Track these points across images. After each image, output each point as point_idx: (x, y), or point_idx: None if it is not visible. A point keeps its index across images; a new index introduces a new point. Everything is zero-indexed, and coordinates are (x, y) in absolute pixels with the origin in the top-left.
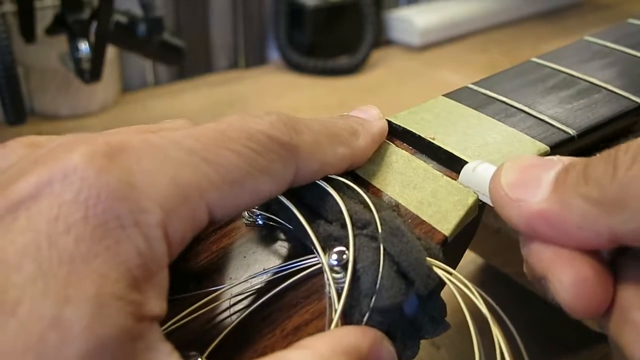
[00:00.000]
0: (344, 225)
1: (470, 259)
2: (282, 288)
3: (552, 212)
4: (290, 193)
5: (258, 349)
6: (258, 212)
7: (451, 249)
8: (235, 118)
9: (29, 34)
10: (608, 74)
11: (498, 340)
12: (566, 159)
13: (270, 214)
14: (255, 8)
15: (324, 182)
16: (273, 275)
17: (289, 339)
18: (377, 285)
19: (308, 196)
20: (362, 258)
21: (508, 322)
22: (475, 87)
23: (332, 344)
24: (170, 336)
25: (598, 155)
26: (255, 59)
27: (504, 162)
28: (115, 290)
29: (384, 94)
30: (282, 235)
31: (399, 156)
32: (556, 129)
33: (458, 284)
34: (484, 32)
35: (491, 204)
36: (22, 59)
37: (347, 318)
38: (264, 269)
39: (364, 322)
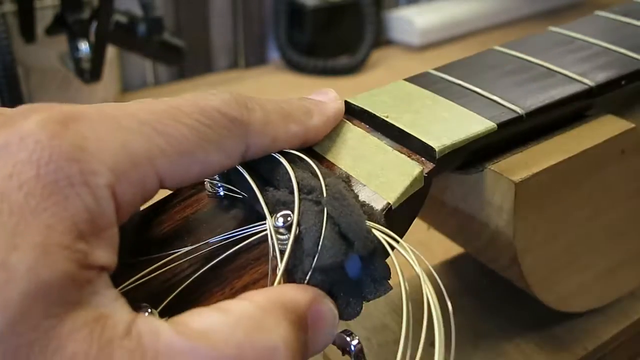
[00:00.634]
0: (292, 192)
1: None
2: (234, 251)
3: None
4: (247, 165)
5: (208, 304)
6: (219, 183)
7: (397, 218)
8: (190, 95)
9: (29, 34)
10: (565, 60)
11: (427, 298)
12: None
13: (231, 186)
14: (255, 8)
15: (278, 155)
16: (228, 240)
17: (237, 296)
18: (319, 246)
19: (262, 168)
20: (305, 220)
21: (443, 291)
22: (434, 72)
23: (272, 297)
24: (129, 293)
25: None
26: (255, 59)
27: None
28: (61, 240)
29: None
30: (240, 205)
31: (354, 133)
32: (506, 108)
33: (398, 247)
34: (484, 32)
35: None
36: (22, 59)
37: (290, 277)
38: (220, 235)
39: (306, 281)
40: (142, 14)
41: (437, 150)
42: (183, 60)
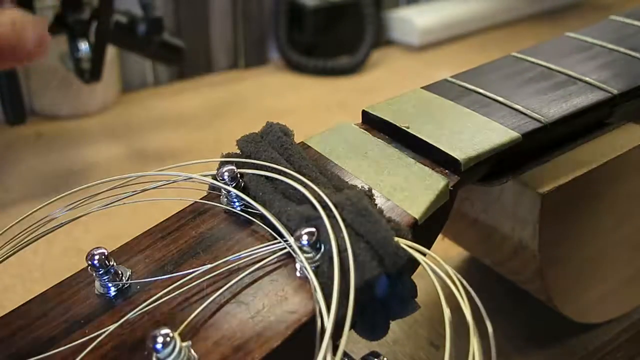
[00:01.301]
0: (315, 207)
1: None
2: (254, 270)
3: None
4: (268, 180)
5: (229, 326)
6: (236, 198)
7: (422, 233)
8: None
9: None
10: (586, 67)
11: (468, 320)
12: None
13: (248, 199)
14: (255, 8)
15: (296, 173)
16: (247, 257)
17: (257, 319)
18: (353, 263)
19: (283, 184)
20: (332, 237)
21: (480, 306)
22: (453, 80)
23: None
24: (148, 314)
25: None
26: (255, 59)
27: None
28: None
29: (384, 93)
30: (259, 220)
31: (374, 145)
32: (529, 118)
33: (431, 264)
34: (483, 32)
35: None
36: None
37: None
38: (238, 252)
39: (350, 300)
40: (142, 14)
41: (462, 162)
42: (183, 60)
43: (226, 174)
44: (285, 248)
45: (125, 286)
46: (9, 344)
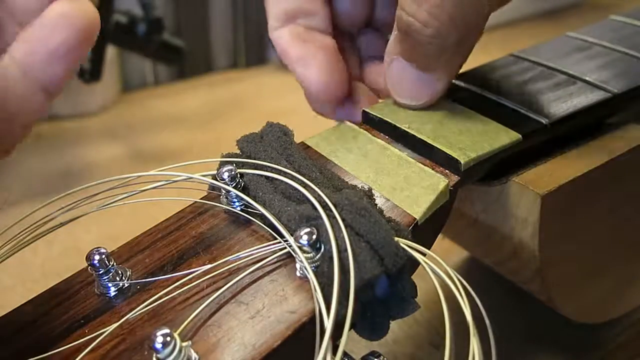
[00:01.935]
0: (315, 207)
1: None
2: (254, 270)
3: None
4: (268, 180)
5: (228, 326)
6: (235, 198)
7: (423, 233)
8: None
9: None
10: (586, 67)
11: (468, 320)
12: None
13: (248, 199)
14: (255, 8)
15: (295, 173)
16: (247, 257)
17: (256, 319)
18: (353, 263)
19: (282, 183)
20: (332, 237)
21: (480, 306)
22: (453, 81)
23: None
24: (148, 314)
25: None
26: (255, 59)
27: None
28: None
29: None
30: (258, 220)
31: (374, 145)
32: (529, 118)
33: (431, 263)
34: (483, 31)
35: None
36: None
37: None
38: (238, 252)
39: (350, 300)
40: (142, 14)
41: (462, 162)
42: (183, 60)
43: (226, 174)
44: (285, 248)
45: (125, 286)
46: (10, 344)
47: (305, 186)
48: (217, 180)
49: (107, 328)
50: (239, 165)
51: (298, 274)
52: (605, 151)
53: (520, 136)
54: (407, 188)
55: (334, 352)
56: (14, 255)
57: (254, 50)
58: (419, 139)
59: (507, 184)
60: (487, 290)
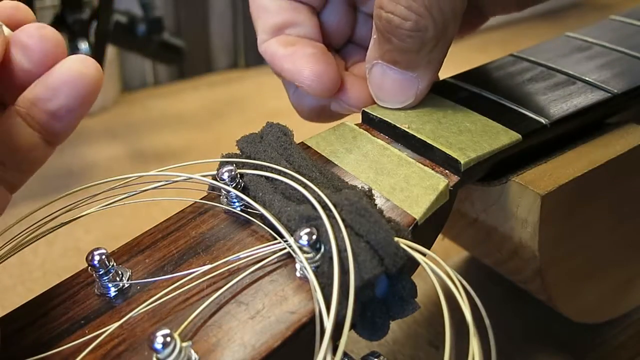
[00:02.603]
0: (315, 208)
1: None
2: (254, 270)
3: None
4: (268, 180)
5: (228, 326)
6: (235, 199)
7: (422, 233)
8: None
9: None
10: (586, 67)
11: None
12: None
13: (248, 199)
14: None
15: (295, 173)
16: (247, 257)
17: (257, 319)
18: (353, 263)
19: (283, 183)
20: (332, 237)
21: (480, 306)
22: (452, 81)
23: None
24: (148, 314)
25: None
26: (255, 59)
27: None
28: None
29: None
30: (258, 220)
31: (374, 145)
32: (529, 118)
33: (431, 264)
34: (484, 32)
35: None
36: None
37: (326, 298)
38: (238, 252)
39: (350, 300)
40: (142, 14)
41: (462, 162)
42: (183, 60)
43: (226, 174)
44: (285, 248)
45: (125, 286)
46: (10, 344)
47: (305, 186)
48: (217, 180)
49: (107, 328)
50: (239, 165)
51: (298, 274)
52: (605, 151)
53: (520, 136)
54: (407, 188)
55: (334, 352)
56: (14, 255)
57: (254, 50)
58: (419, 139)
59: (507, 184)
60: (487, 290)
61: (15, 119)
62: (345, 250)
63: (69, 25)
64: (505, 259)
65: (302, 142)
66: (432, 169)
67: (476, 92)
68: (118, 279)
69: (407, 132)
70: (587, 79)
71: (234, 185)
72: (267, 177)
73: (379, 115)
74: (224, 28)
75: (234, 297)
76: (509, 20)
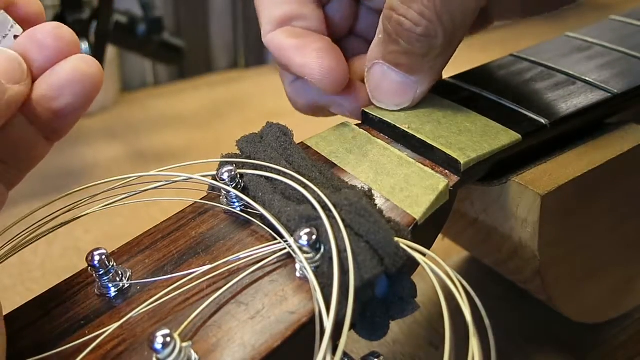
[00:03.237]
0: (315, 208)
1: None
2: (254, 270)
3: None
4: (267, 180)
5: (228, 326)
6: (235, 199)
7: (422, 233)
8: None
9: None
10: (586, 67)
11: (468, 321)
12: None
13: (248, 199)
14: (255, 8)
15: (295, 173)
16: (247, 258)
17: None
18: (353, 263)
19: (282, 184)
20: (332, 237)
21: (480, 306)
22: (452, 81)
23: None
24: (148, 315)
25: None
26: (255, 59)
27: None
28: None
29: None
30: (258, 220)
31: (374, 145)
32: (529, 118)
33: (431, 264)
34: (484, 32)
35: None
36: None
37: (326, 298)
38: (238, 253)
39: (350, 300)
40: (142, 14)
41: (462, 163)
42: (183, 60)
43: (226, 174)
44: (285, 248)
45: (125, 286)
46: (10, 344)
47: (304, 186)
48: (217, 180)
49: (107, 328)
50: (239, 165)
51: (298, 274)
52: (605, 151)
53: (520, 136)
54: (407, 188)
55: (334, 352)
56: (14, 255)
57: (254, 50)
58: (419, 139)
59: (507, 184)
60: (487, 290)
61: (18, 117)
62: (345, 250)
63: (69, 25)
64: (505, 259)
65: (302, 142)
66: (432, 169)
67: (476, 92)
68: (118, 279)
69: (407, 132)
70: (587, 79)
71: (233, 186)
72: (267, 177)
73: (379, 116)
74: (224, 28)
75: (234, 297)
76: (508, 21)
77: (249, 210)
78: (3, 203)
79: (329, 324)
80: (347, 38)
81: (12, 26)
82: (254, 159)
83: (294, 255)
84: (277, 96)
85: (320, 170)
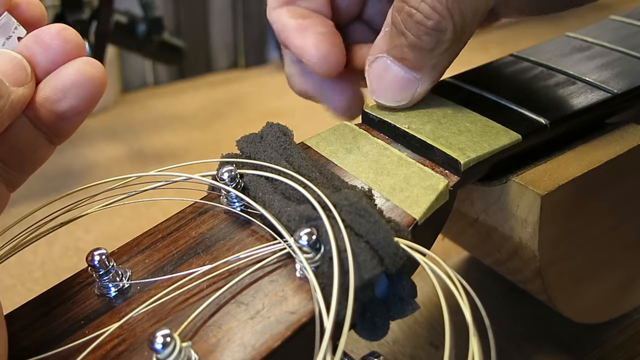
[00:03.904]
0: (315, 208)
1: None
2: (254, 270)
3: None
4: (267, 180)
5: (228, 326)
6: (235, 199)
7: (422, 233)
8: None
9: None
10: (586, 67)
11: (468, 322)
12: None
13: (248, 199)
14: (255, 8)
15: (295, 173)
16: (247, 258)
17: (256, 319)
18: (353, 263)
19: (282, 184)
20: (332, 238)
21: (480, 306)
22: (452, 81)
23: None
24: (147, 314)
25: None
26: (255, 59)
27: None
28: None
29: None
30: (258, 220)
31: (374, 145)
32: (529, 118)
33: (431, 264)
34: (484, 32)
35: None
36: None
37: (326, 298)
38: (238, 253)
39: (350, 300)
40: (142, 14)
41: (462, 163)
42: (183, 60)
43: (226, 174)
44: (285, 248)
45: (125, 286)
46: (10, 344)
47: (304, 186)
48: (217, 180)
49: (107, 328)
50: (239, 165)
51: (298, 274)
52: (605, 151)
53: (520, 136)
54: (407, 188)
55: (334, 352)
56: (14, 255)
57: (254, 50)
58: (419, 139)
59: (507, 184)
60: (487, 290)
61: (22, 120)
62: (345, 250)
63: (69, 25)
64: (505, 259)
65: (302, 142)
66: (432, 169)
67: (476, 92)
68: (118, 279)
69: (407, 132)
70: (587, 79)
71: (233, 186)
72: (267, 177)
73: (379, 116)
74: (224, 28)
75: (234, 297)
76: (509, 20)
77: (249, 210)
78: (5, 204)
79: (329, 324)
80: (353, 23)
81: (15, 28)
82: (254, 159)
83: (294, 255)
84: (277, 96)
85: (320, 170)
